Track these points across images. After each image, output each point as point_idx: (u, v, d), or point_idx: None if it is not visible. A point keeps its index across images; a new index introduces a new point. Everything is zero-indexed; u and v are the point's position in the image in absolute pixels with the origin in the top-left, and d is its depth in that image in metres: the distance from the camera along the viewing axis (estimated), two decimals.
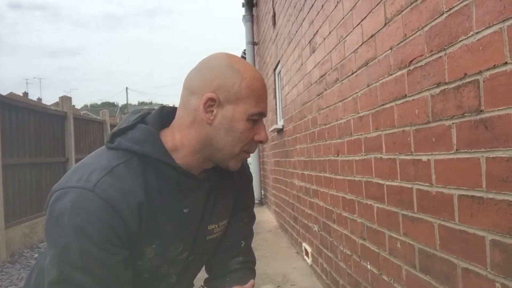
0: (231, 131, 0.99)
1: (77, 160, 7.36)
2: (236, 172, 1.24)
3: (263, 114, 1.02)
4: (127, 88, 73.89)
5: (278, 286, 3.29)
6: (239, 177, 1.25)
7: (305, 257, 3.79)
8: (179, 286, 1.19)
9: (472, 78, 1.19)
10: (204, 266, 1.28)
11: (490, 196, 1.13)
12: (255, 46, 7.49)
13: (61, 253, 0.91)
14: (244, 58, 9.01)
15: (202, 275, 1.31)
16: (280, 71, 5.02)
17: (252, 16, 7.59)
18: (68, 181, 0.94)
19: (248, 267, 1.28)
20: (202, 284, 1.29)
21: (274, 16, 5.25)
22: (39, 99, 46.33)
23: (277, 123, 5.43)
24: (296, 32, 3.72)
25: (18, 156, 5.40)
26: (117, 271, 0.94)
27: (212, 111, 0.98)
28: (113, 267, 0.93)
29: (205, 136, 1.01)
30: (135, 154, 0.99)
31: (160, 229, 1.02)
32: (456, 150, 1.29)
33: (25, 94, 44.13)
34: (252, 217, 1.33)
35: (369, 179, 2.06)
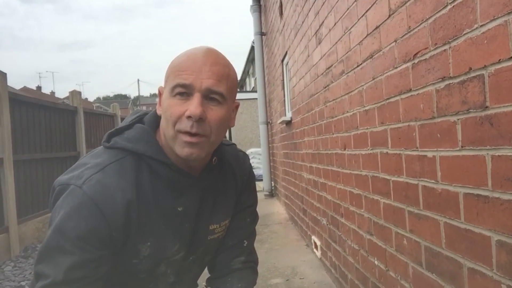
0: (163, 112, 0.99)
1: None
2: (238, 171, 1.23)
3: (185, 86, 0.93)
4: (138, 80, 74.24)
5: (287, 280, 3.28)
6: (241, 176, 1.24)
7: (315, 250, 3.77)
8: (180, 287, 1.19)
9: (477, 73, 1.14)
10: (206, 266, 1.28)
11: (496, 195, 1.09)
12: (263, 36, 7.42)
13: (42, 246, 0.95)
14: (253, 48, 8.95)
15: (205, 275, 1.30)
16: (287, 62, 4.96)
17: (259, 6, 7.50)
18: (65, 177, 0.98)
19: (250, 266, 1.27)
20: (205, 284, 1.29)
21: (281, 6, 5.18)
22: (53, 93, 46.89)
23: (285, 115, 5.39)
24: (303, 22, 3.67)
25: (29, 152, 5.46)
26: (85, 269, 0.92)
27: (160, 102, 1.02)
28: (82, 264, 0.92)
29: (161, 128, 1.03)
30: (129, 152, 1.01)
31: (154, 227, 1.02)
32: (461, 147, 1.25)
33: (38, 88, 44.61)
34: (255, 217, 1.31)
35: (375, 174, 2.02)
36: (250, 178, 1.28)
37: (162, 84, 1.03)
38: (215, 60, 0.98)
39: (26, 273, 4.13)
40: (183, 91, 0.94)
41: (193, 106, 0.93)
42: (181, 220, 1.06)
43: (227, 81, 0.98)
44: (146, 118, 1.09)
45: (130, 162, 0.99)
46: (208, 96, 0.96)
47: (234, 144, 1.30)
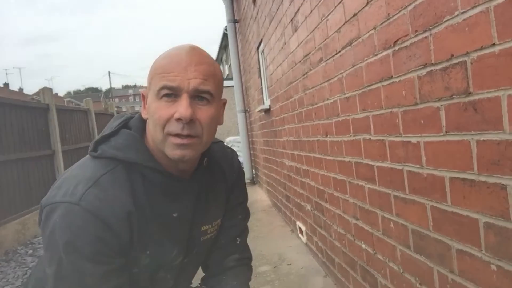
0: (150, 116, 0.96)
1: (63, 152, 7.26)
2: (227, 169, 1.22)
3: (171, 88, 0.91)
4: (109, 72, 72.78)
5: (275, 267, 3.31)
6: (230, 173, 1.23)
7: (300, 235, 3.82)
8: None
9: (459, 60, 1.16)
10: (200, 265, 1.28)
11: (482, 179, 1.12)
12: (236, 24, 7.34)
13: (56, 271, 0.93)
14: (226, 35, 8.86)
15: (199, 273, 1.30)
16: (263, 49, 4.94)
17: None
18: (55, 195, 0.94)
19: (244, 263, 1.28)
20: (200, 283, 1.28)
21: None
22: (21, 89, 45.49)
23: (263, 103, 5.38)
24: (277, 10, 3.64)
25: (3, 153, 5.30)
26: (112, 281, 0.95)
27: (145, 106, 0.99)
28: (107, 277, 0.94)
29: (148, 132, 1.01)
30: (119, 161, 0.98)
31: (152, 235, 1.01)
32: (446, 132, 1.27)
33: (6, 85, 43.18)
34: (247, 213, 1.31)
35: (359, 160, 2.05)
36: (239, 175, 1.28)
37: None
38: (199, 59, 0.96)
39: (8, 277, 4.04)
40: (170, 93, 0.92)
41: (183, 107, 0.90)
42: (177, 225, 1.05)
43: (213, 79, 0.96)
44: (132, 123, 1.06)
45: (122, 171, 0.97)
46: (196, 96, 0.94)
47: (221, 141, 1.29)
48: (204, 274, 1.29)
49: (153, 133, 0.96)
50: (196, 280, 1.30)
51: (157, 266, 1.05)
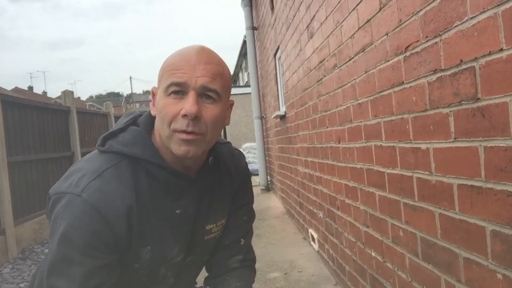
0: (158, 112, 0.98)
1: (83, 154, 7.39)
2: (234, 170, 1.23)
3: (179, 84, 0.93)
4: (130, 77, 73.95)
5: (286, 273, 3.30)
6: (236, 174, 1.24)
7: (312, 243, 3.79)
8: (179, 287, 1.20)
9: (468, 65, 1.15)
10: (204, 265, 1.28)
11: (489, 186, 1.11)
12: (255, 31, 7.39)
13: (50, 259, 0.95)
14: (246, 42, 8.92)
15: (203, 273, 1.31)
16: (280, 56, 4.96)
17: (250, 0, 7.47)
18: (61, 186, 0.98)
19: (248, 265, 1.27)
20: (204, 284, 1.29)
21: (271, 0, 5.16)
22: (44, 93, 46.60)
23: (279, 109, 5.39)
24: (294, 17, 3.66)
25: (23, 153, 5.42)
26: (98, 277, 0.95)
27: (154, 103, 1.01)
28: (94, 272, 0.94)
29: (156, 128, 1.02)
30: (125, 156, 1.00)
31: (153, 231, 1.02)
32: (454, 138, 1.26)
33: (30, 88, 44.23)
34: (252, 215, 1.31)
35: (370, 167, 2.04)
36: (245, 176, 1.29)
37: (155, 83, 1.03)
38: (208, 58, 0.97)
39: (24, 275, 4.12)
40: (178, 90, 0.94)
41: (189, 104, 0.92)
42: (179, 222, 1.06)
43: (221, 79, 0.98)
44: (140, 120, 1.08)
45: (127, 166, 0.99)
46: (203, 94, 0.95)
47: (229, 142, 1.30)
48: (207, 274, 1.29)
49: (160, 129, 0.98)
50: (200, 281, 1.31)
51: (158, 262, 1.06)
